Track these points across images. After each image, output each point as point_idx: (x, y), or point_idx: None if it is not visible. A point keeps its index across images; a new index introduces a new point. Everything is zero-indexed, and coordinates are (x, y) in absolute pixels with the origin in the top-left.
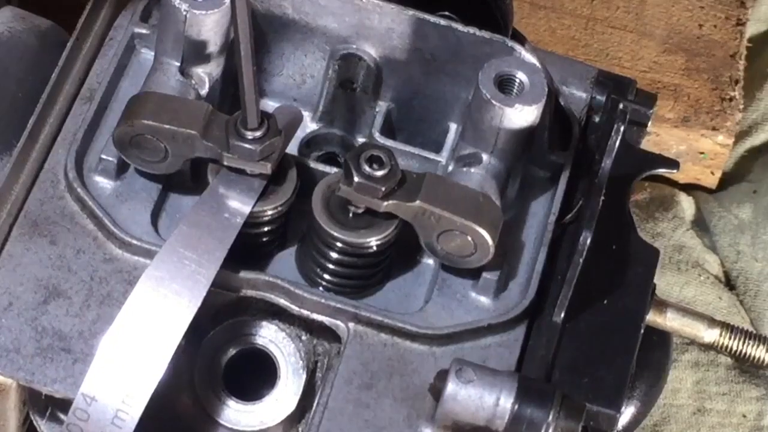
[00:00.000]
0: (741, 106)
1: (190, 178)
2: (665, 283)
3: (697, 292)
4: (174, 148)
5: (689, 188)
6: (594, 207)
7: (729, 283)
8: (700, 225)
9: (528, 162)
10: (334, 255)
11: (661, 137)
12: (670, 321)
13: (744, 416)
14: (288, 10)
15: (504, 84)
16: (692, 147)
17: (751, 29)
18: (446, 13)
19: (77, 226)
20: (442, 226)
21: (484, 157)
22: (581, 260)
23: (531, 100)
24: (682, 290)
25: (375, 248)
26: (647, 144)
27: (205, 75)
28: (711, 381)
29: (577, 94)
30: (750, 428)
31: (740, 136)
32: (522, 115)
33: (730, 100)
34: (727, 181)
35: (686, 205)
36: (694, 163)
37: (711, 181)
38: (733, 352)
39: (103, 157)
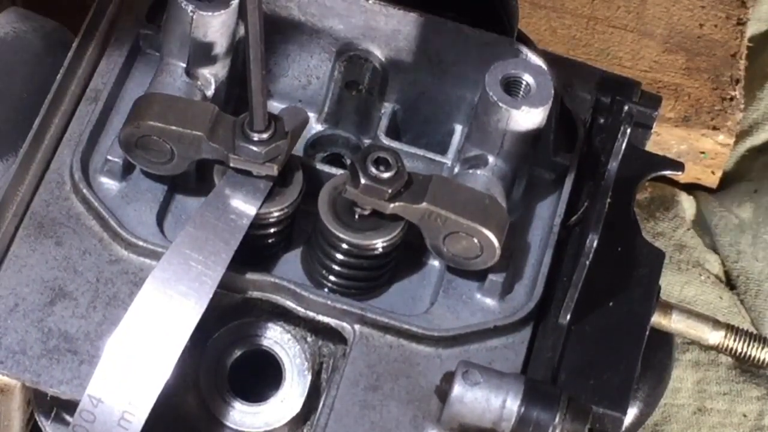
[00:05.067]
0: (742, 106)
1: (195, 180)
2: (666, 282)
3: (698, 292)
4: (180, 150)
5: (690, 188)
6: (600, 209)
7: (730, 282)
8: (701, 224)
9: (533, 164)
10: (339, 256)
11: (661, 137)
12: (675, 323)
13: (745, 416)
14: (294, 11)
15: (510, 86)
16: (693, 146)
17: (752, 29)
18: (452, 14)
19: (83, 227)
20: (448, 228)
21: (490, 158)
22: (587, 262)
23: (537, 102)
24: (683, 290)
25: (381, 250)
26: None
27: (211, 76)
28: (712, 380)
29: (581, 96)
30: (751, 428)
31: (741, 136)
32: (528, 117)
33: (731, 99)
34: (728, 180)
35: (687, 204)
36: (694, 162)
37: (712, 180)
38: (736, 353)
39: (109, 158)
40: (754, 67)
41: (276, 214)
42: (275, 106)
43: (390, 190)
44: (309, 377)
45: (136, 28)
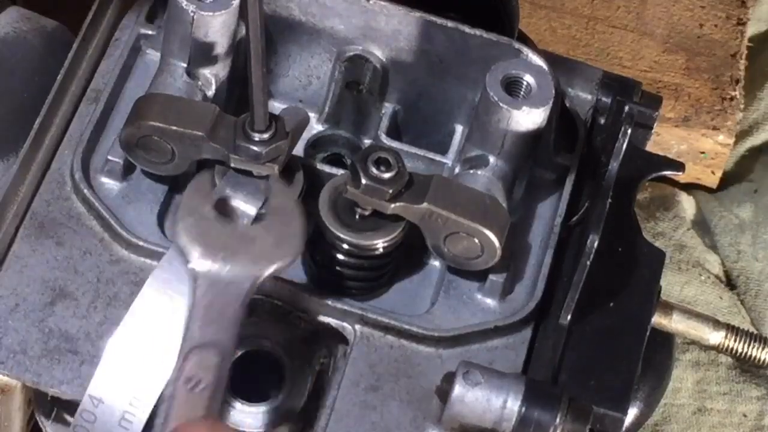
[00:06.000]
0: (742, 106)
1: None
2: (666, 282)
3: (698, 292)
4: (181, 150)
5: (690, 188)
6: (601, 209)
7: (730, 282)
8: (701, 225)
9: (534, 164)
10: (340, 257)
11: (661, 137)
12: (675, 323)
13: (745, 416)
14: (294, 11)
15: (511, 86)
16: (693, 146)
17: (752, 29)
18: (453, 14)
19: (84, 228)
20: (449, 229)
21: (491, 159)
22: (588, 262)
23: (538, 102)
24: (683, 290)
25: (381, 250)
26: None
27: (212, 76)
28: (712, 380)
29: (582, 96)
30: (751, 428)
31: (741, 136)
32: (529, 118)
33: (731, 99)
34: (728, 180)
35: (687, 204)
36: (694, 162)
37: (712, 180)
38: (736, 353)
39: (110, 158)
40: (754, 67)
41: None
42: (276, 106)
43: (391, 191)
44: (310, 378)
45: (136, 29)
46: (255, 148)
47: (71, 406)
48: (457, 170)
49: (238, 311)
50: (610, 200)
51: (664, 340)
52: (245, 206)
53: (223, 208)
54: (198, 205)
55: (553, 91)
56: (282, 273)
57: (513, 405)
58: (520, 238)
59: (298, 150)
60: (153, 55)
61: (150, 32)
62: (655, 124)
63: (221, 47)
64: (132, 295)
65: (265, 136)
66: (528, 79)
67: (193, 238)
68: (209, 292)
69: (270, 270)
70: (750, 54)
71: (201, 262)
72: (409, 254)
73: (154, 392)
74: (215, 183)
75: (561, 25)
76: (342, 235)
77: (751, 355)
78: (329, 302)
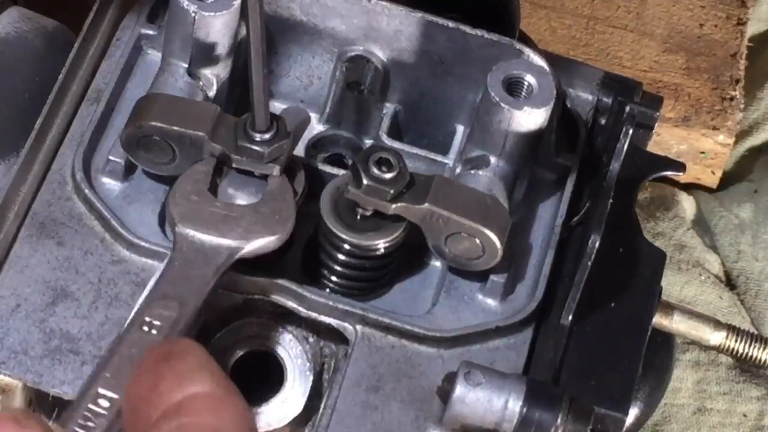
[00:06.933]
0: (742, 106)
1: None
2: (666, 282)
3: (698, 292)
4: (182, 150)
5: (690, 188)
6: (602, 210)
7: (730, 282)
8: (701, 224)
9: (535, 164)
10: (341, 257)
11: (661, 137)
12: (676, 324)
13: (745, 416)
14: (296, 11)
15: (512, 86)
16: (693, 146)
17: (752, 29)
18: (454, 15)
19: (85, 228)
20: (450, 229)
21: (492, 159)
22: (589, 263)
23: (540, 102)
24: (683, 290)
25: (383, 250)
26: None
27: (213, 76)
28: (712, 380)
29: (583, 96)
30: (751, 428)
31: (741, 136)
32: (530, 118)
33: (731, 99)
34: (728, 180)
35: (687, 204)
36: (694, 162)
37: (712, 180)
38: (737, 354)
39: (111, 158)
40: (754, 67)
41: None
42: (277, 106)
43: (392, 191)
44: (311, 378)
45: (137, 29)
46: (256, 148)
47: None
48: (458, 170)
49: (209, 278)
50: (611, 200)
51: (665, 341)
52: (241, 194)
53: (216, 189)
54: (192, 182)
55: (555, 92)
56: (263, 251)
57: (514, 405)
58: (521, 239)
59: (299, 150)
60: (154, 56)
61: (151, 32)
62: (656, 125)
63: (222, 48)
64: (133, 296)
65: (267, 136)
66: (529, 79)
67: (181, 207)
68: (185, 255)
69: (248, 248)
70: (750, 54)
71: (183, 227)
72: (411, 254)
73: None
74: (212, 172)
75: (561, 25)
76: (343, 236)
77: (751, 355)
78: (330, 302)
